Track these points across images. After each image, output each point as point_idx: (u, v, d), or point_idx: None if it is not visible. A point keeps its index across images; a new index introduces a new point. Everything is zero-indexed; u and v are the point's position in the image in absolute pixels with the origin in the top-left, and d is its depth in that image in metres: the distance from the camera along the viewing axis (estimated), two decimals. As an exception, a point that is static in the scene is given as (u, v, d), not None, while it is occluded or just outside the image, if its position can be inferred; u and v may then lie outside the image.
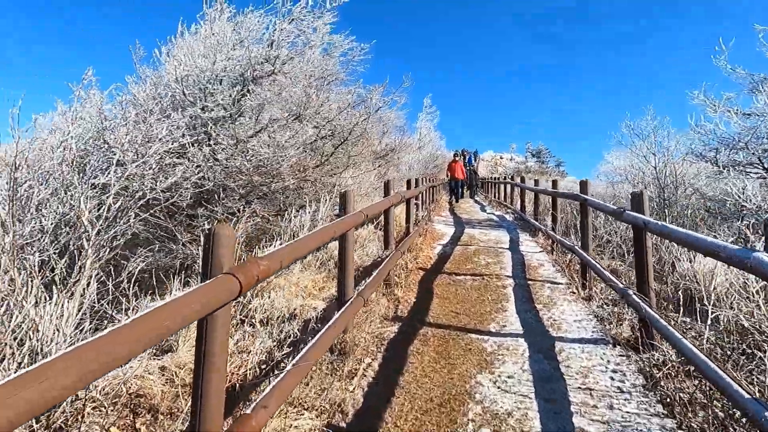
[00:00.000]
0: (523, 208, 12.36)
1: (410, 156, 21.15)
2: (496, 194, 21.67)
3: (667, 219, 8.78)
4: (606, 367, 3.70)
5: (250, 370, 2.96)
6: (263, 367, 3.08)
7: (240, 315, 3.80)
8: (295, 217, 5.63)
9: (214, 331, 2.01)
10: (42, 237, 3.90)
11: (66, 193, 3.90)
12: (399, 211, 8.84)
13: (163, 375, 2.95)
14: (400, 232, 8.06)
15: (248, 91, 5.99)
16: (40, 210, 4.14)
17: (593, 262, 5.47)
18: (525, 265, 7.22)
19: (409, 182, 8.14)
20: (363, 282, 5.10)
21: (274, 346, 3.27)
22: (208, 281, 1.87)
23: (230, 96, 5.64)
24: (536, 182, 11.51)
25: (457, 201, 19.63)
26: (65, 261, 3.96)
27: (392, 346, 4.15)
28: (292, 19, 6.79)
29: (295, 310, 4.19)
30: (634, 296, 3.98)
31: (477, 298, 5.55)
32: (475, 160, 35.44)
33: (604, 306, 5.04)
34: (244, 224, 5.21)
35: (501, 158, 58.63)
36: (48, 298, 3.46)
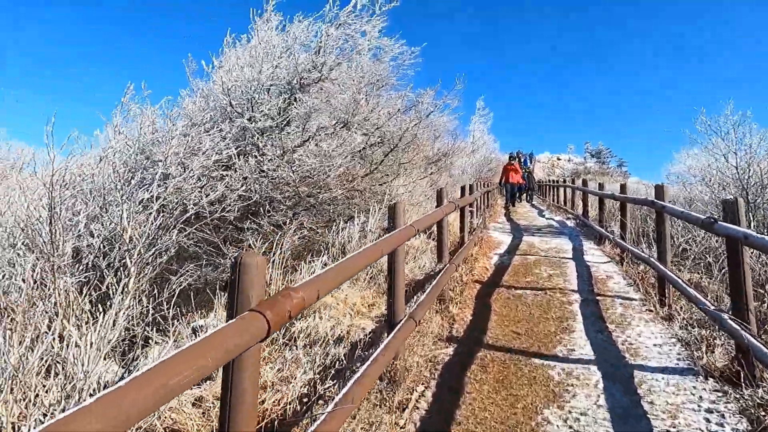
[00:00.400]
0: (585, 213, 11.60)
1: (463, 160, 20.64)
2: (555, 198, 20.69)
3: (752, 224, 7.90)
4: (699, 405, 3.17)
5: (290, 404, 2.71)
6: (305, 400, 2.83)
7: (283, 338, 3.58)
8: (343, 229, 5.39)
9: (241, 371, 1.75)
10: (89, 254, 3.85)
11: (111, 210, 3.83)
12: (453, 219, 8.44)
13: (199, 407, 2.74)
14: (454, 242, 7.66)
15: (295, 99, 5.83)
16: (89, 227, 4.12)
17: (673, 276, 4.88)
18: (592, 277, 6.64)
19: (463, 189, 7.74)
20: (415, 298, 4.78)
21: (317, 378, 3.01)
22: (231, 321, 1.61)
23: (276, 105, 5.49)
24: (601, 186, 10.75)
25: (513, 205, 18.88)
26: (113, 277, 3.90)
27: (447, 372, 3.80)
28: (340, 24, 6.60)
29: (342, 331, 3.92)
30: (730, 321, 3.42)
31: (540, 315, 5.09)
32: (531, 162, 34.19)
33: (689, 327, 4.44)
34: (291, 237, 5.02)
35: (558, 159, 56.54)
36: (92, 317, 3.37)
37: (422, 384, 3.58)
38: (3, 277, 3.65)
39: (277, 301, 1.77)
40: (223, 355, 1.49)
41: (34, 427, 2.12)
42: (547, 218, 14.76)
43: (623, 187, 8.09)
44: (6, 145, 10.52)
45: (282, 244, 4.61)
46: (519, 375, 3.73)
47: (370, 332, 4.06)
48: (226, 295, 4.22)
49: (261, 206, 5.21)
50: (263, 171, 5.09)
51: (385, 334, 3.56)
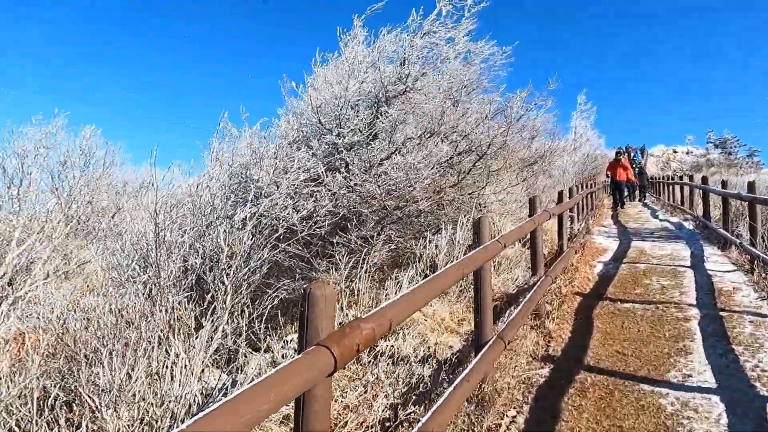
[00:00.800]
0: (706, 213, 10.38)
1: (564, 159, 19.50)
2: (670, 196, 18.77)
3: None
4: None
5: (371, 427, 2.69)
6: (387, 424, 2.79)
7: (368, 357, 3.58)
8: (430, 241, 5.31)
9: (311, 405, 1.76)
10: (192, 272, 4.17)
11: (211, 230, 4.12)
12: (550, 225, 7.99)
13: (287, 425, 2.82)
14: (551, 250, 7.24)
15: (381, 113, 5.88)
16: (194, 246, 4.46)
17: (817, 290, 4.17)
18: (714, 289, 5.89)
19: (560, 194, 7.29)
20: (507, 313, 4.57)
21: (399, 402, 2.97)
22: (298, 357, 1.62)
23: (362, 120, 5.58)
24: (724, 183, 9.57)
25: (621, 206, 17.43)
26: (214, 293, 4.18)
27: (542, 396, 3.56)
28: (424, 34, 6.56)
29: (428, 350, 3.84)
30: None
31: (650, 334, 4.61)
32: (643, 157, 31.60)
33: (840, 353, 3.76)
34: (379, 251, 5.06)
35: (674, 152, 51.62)
36: (195, 332, 3.62)
37: (514, 408, 3.39)
38: (124, 294, 4.06)
39: (345, 334, 1.75)
40: (290, 392, 1.49)
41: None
42: (661, 220, 13.46)
43: (751, 186, 7.12)
44: (132, 168, 11.92)
45: (369, 259, 4.65)
46: (624, 402, 3.39)
47: (457, 351, 3.93)
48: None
49: (349, 221, 5.31)
50: (350, 186, 5.18)
51: (473, 354, 3.43)
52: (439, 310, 4.59)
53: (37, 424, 2.70)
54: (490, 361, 3.27)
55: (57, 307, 4.48)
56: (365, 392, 3.09)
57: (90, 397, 2.33)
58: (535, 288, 4.63)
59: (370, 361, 3.53)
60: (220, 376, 3.43)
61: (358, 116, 6.01)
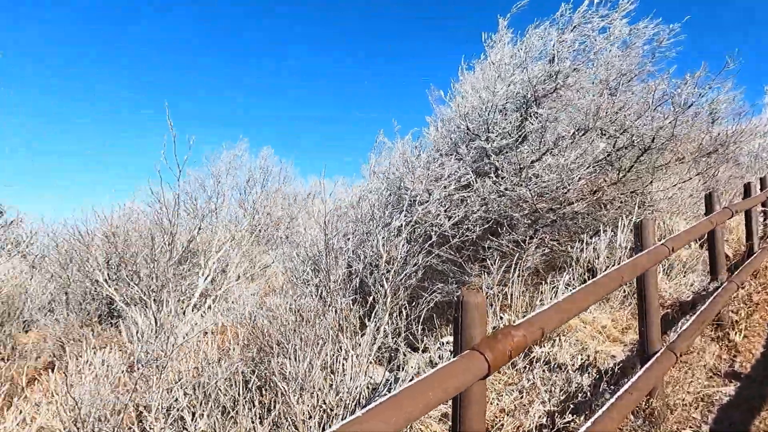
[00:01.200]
0: None
1: (755, 143, 16.59)
2: None
3: None
4: None
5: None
6: (544, 431, 2.80)
7: (523, 362, 3.59)
8: (588, 244, 5.06)
9: (466, 406, 1.90)
10: (356, 277, 4.61)
11: (371, 237, 4.51)
12: (736, 223, 6.99)
13: (445, 423, 2.99)
14: (737, 252, 6.32)
15: (530, 114, 5.78)
16: (356, 252, 4.92)
17: None
18: None
19: (747, 186, 6.32)
20: (679, 323, 4.19)
21: (556, 410, 2.94)
22: (453, 360, 1.77)
23: (510, 123, 5.55)
24: None
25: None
26: (375, 295, 4.57)
27: (725, 417, 3.20)
28: (574, 27, 6.27)
29: (587, 358, 3.70)
30: None
31: None
32: None
33: None
34: (532, 255, 4.98)
35: None
36: (360, 331, 4.02)
37: (690, 427, 3.12)
38: (300, 295, 4.65)
39: (497, 340, 1.85)
40: (445, 393, 1.65)
41: (318, 426, 2.69)
42: None
43: None
44: (300, 180, 13.43)
45: (521, 263, 4.62)
46: (836, 433, 2.89)
47: (620, 361, 3.71)
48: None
49: (500, 225, 5.32)
50: (500, 191, 5.20)
51: (638, 366, 3.23)
52: (599, 317, 4.37)
53: (239, 404, 3.28)
54: (659, 375, 3.05)
55: (248, 305, 5.32)
56: (521, 397, 3.13)
57: (281, 384, 2.78)
58: (714, 295, 4.15)
59: (525, 367, 3.54)
60: (384, 372, 3.76)
61: (506, 119, 5.98)
